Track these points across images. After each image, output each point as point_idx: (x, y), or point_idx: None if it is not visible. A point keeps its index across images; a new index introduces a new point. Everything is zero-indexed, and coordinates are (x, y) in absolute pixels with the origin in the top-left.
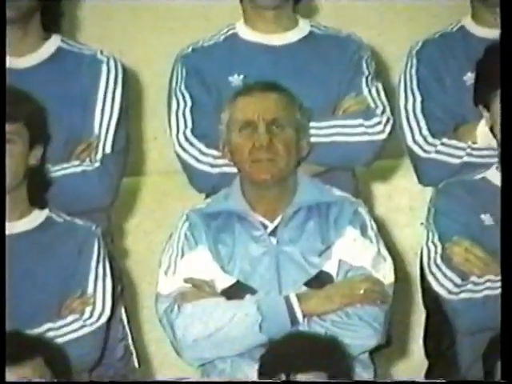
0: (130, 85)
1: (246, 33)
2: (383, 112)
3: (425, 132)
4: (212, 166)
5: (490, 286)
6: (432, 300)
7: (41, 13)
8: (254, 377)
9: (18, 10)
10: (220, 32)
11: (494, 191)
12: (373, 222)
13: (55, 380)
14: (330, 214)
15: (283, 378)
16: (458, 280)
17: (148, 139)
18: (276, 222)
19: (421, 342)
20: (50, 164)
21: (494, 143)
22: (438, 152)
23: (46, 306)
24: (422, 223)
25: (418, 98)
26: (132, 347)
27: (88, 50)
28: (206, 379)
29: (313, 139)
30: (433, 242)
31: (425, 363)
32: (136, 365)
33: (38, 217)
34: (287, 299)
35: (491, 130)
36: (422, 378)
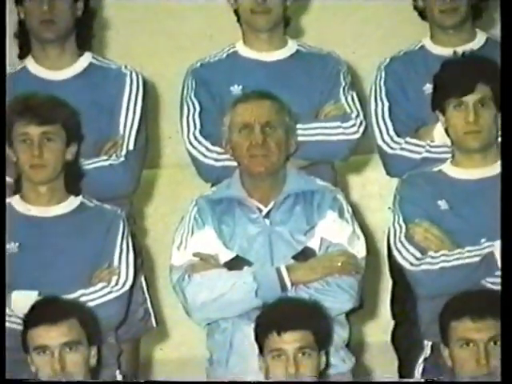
0: (149, 93)
1: (245, 51)
2: (357, 116)
3: (391, 133)
4: (216, 160)
5: (444, 259)
6: (397, 271)
7: (75, 34)
8: (251, 334)
9: (57, 32)
10: (223, 50)
11: (449, 181)
12: (349, 207)
13: (88, 338)
14: (313, 200)
15: (275, 334)
16: (418, 254)
17: (163, 138)
18: (269, 206)
19: (388, 305)
20: (82, 159)
21: (448, 142)
22: (402, 149)
23: (79, 275)
24: (389, 208)
25: (386, 105)
26: (150, 310)
27: (114, 64)
28: (210, 338)
29: (299, 138)
30: (398, 223)
31: (391, 323)
32: (154, 324)
33: (73, 202)
34: (278, 270)
35: (446, 131)
36: (389, 336)
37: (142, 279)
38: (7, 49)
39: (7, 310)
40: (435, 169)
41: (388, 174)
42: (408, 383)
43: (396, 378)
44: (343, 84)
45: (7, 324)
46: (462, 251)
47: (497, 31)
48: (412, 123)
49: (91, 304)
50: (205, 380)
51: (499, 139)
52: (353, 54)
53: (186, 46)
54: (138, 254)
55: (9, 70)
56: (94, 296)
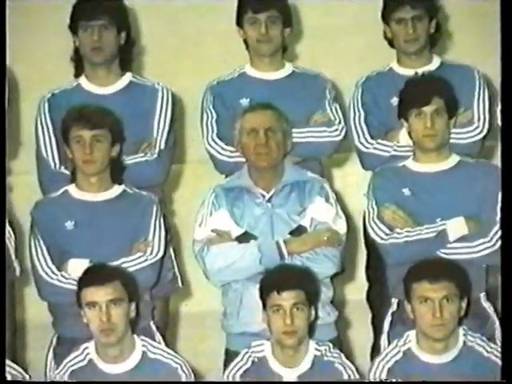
0: (176, 105)
1: (252, 72)
2: (339, 123)
3: (366, 136)
4: (229, 157)
5: (407, 234)
6: (370, 244)
7: (119, 58)
8: (257, 293)
9: (104, 57)
10: (234, 71)
11: (411, 173)
12: (333, 193)
13: (129, 297)
14: (305, 188)
15: (275, 293)
16: (387, 231)
17: (188, 140)
18: (271, 193)
19: (363, 271)
20: (124, 156)
21: (410, 143)
22: (375, 148)
23: (121, 247)
24: (364, 194)
25: (362, 114)
26: (177, 274)
27: (149, 82)
28: (225, 296)
29: (294, 140)
30: (371, 207)
31: (366, 285)
32: (180, 285)
33: (117, 190)
34: (277, 243)
35: (409, 134)
36: (364, 295)
37: (171, 250)
38: (7, 48)
39: (64, 274)
40: (400, 164)
41: (363, 167)
42: (409, 383)
43: (371, 336)
44: (328, 98)
45: (64, 285)
46: (422, 228)
47: (448, 56)
48: (382, 128)
49: (131, 269)
50: (220, 330)
51: (450, 141)
52: (337, 74)
53: (206, 68)
54: (168, 231)
55: (66, 86)
56: (133, 263)
